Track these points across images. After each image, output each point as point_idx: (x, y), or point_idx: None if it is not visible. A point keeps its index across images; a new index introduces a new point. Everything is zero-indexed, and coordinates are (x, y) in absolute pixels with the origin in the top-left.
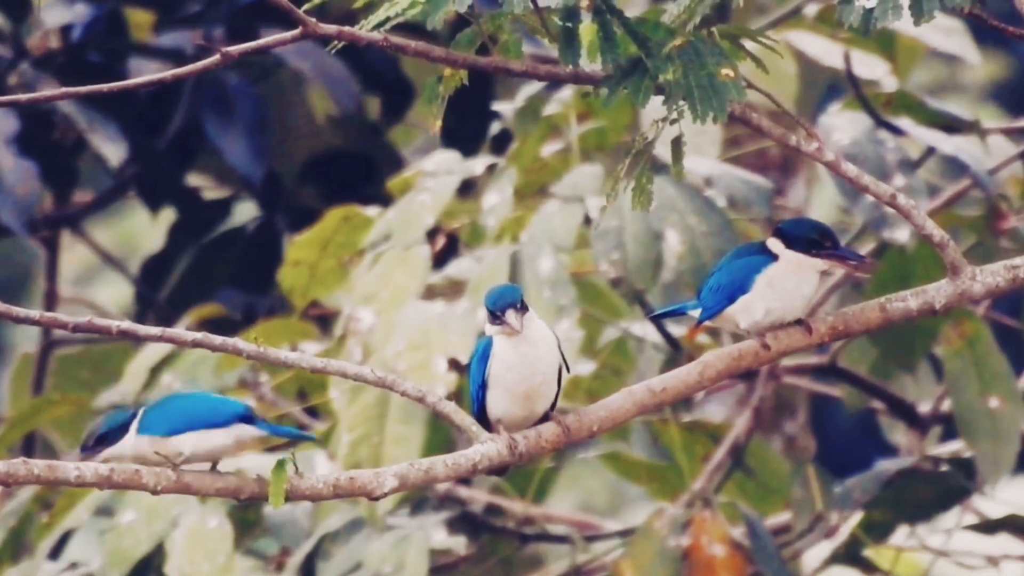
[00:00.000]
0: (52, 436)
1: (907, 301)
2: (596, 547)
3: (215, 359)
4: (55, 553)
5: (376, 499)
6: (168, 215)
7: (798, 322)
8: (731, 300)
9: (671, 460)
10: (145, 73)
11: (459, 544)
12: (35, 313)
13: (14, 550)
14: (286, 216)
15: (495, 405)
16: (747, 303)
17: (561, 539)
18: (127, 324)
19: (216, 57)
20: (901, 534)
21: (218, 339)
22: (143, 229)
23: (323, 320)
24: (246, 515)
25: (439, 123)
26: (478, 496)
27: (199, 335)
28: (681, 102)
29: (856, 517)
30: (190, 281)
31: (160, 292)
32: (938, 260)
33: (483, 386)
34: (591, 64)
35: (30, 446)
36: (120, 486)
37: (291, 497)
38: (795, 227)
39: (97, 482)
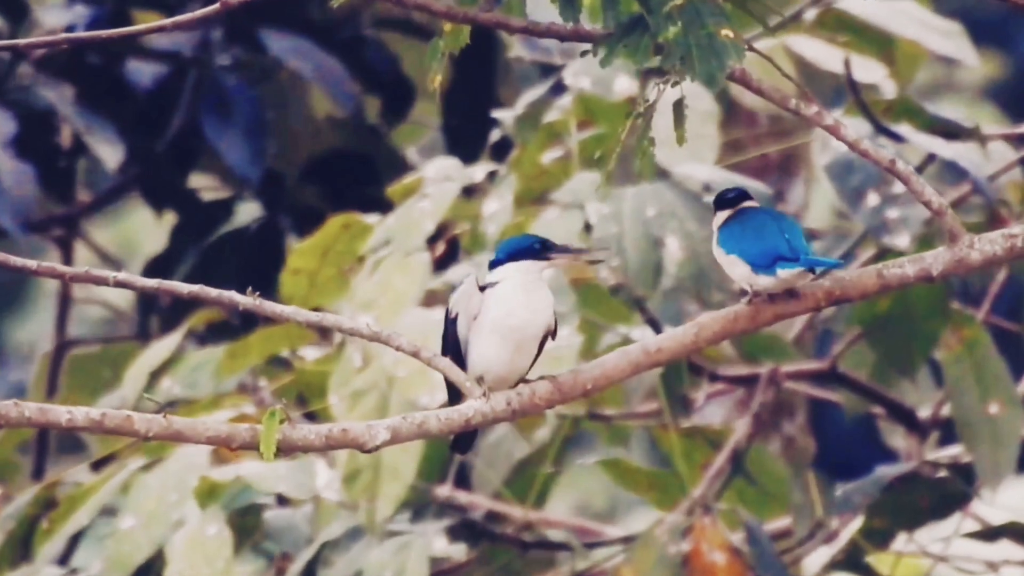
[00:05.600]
0: (60, 436)
1: (904, 268)
2: (597, 553)
3: (215, 364)
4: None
5: (368, 451)
6: (170, 216)
7: (791, 292)
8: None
9: (670, 467)
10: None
11: (459, 551)
12: (32, 263)
13: (13, 555)
14: (288, 216)
15: (482, 356)
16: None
17: (562, 546)
18: (123, 275)
19: (216, 5)
20: (900, 539)
21: (214, 291)
22: (144, 230)
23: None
24: (245, 521)
25: (439, 78)
26: (478, 502)
27: (195, 287)
28: (679, 62)
29: (856, 523)
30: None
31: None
32: None
33: (463, 341)
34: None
35: (43, 446)
36: (111, 431)
37: (283, 448)
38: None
39: (88, 426)
